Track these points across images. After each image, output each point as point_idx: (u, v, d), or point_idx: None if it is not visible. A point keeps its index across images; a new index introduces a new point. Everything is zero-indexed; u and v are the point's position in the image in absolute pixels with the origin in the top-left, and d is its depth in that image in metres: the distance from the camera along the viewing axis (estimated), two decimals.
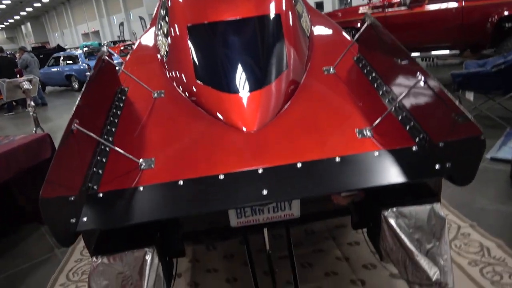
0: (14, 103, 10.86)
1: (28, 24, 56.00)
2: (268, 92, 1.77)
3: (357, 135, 1.54)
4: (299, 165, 1.43)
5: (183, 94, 1.95)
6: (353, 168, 1.41)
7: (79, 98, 1.50)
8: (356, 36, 1.98)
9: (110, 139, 1.65)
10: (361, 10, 6.74)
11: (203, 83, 1.85)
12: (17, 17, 53.63)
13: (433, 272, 1.34)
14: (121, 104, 1.91)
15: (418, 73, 1.39)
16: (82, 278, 2.53)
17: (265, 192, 1.34)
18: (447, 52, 6.10)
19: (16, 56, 13.45)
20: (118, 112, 1.84)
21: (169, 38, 2.21)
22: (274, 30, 2.00)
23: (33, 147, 3.13)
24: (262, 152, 1.53)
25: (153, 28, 2.67)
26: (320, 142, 1.55)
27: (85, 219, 1.31)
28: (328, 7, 22.82)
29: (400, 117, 1.56)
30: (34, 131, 4.77)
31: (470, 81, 4.00)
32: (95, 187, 1.43)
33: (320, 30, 2.45)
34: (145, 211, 1.37)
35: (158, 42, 2.43)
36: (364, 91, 1.81)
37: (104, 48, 1.95)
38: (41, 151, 3.19)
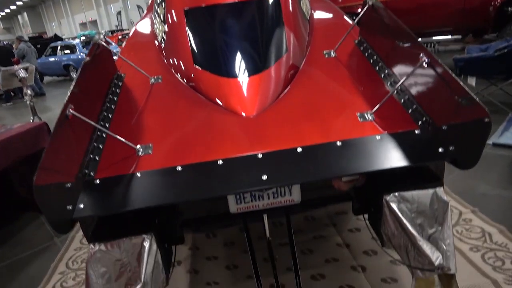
0: (12, 94, 10.79)
1: (25, 14, 55.51)
2: (267, 76, 1.74)
3: (359, 119, 1.51)
4: (299, 149, 1.40)
5: (181, 80, 1.92)
6: (355, 152, 1.38)
7: (73, 83, 1.47)
8: (357, 18, 1.94)
9: (107, 125, 1.62)
10: None
11: (201, 68, 1.82)
12: (14, 7, 53.08)
13: (436, 257, 1.33)
14: (117, 90, 1.87)
15: (421, 54, 1.36)
16: (81, 267, 2.53)
17: (264, 177, 1.32)
18: (449, 37, 6.03)
19: (13, 46, 13.32)
20: (115, 98, 1.81)
21: (166, 23, 2.17)
22: (273, 13, 1.95)
23: (30, 135, 3.11)
24: (262, 137, 1.50)
25: (150, 14, 2.62)
26: (321, 126, 1.52)
27: (82, 205, 1.29)
28: None
29: (402, 100, 1.53)
30: (31, 120, 4.73)
31: (473, 66, 3.95)
32: (91, 173, 1.40)
33: (320, 13, 2.40)
34: (142, 197, 1.34)
35: (155, 27, 2.38)
36: (365, 74, 1.78)
37: (101, 36, 1.90)
38: (39, 140, 3.17)
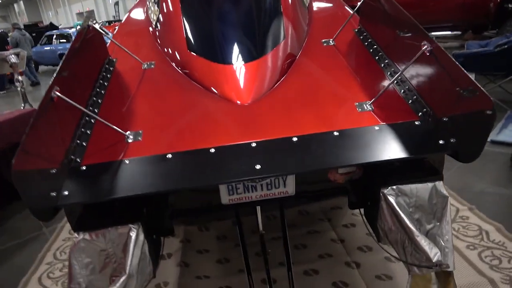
0: (8, 84, 10.64)
1: (21, 2, 54.83)
2: (264, 63, 1.68)
3: (357, 109, 1.47)
4: (294, 139, 1.35)
5: (175, 66, 1.86)
6: (352, 143, 1.33)
7: (60, 65, 1.40)
8: (357, 6, 1.90)
9: (96, 110, 1.57)
10: None
11: (195, 54, 1.76)
12: None
13: (434, 253, 1.27)
14: (108, 75, 1.82)
15: (424, 42, 1.31)
16: None
17: (258, 166, 1.26)
18: (448, 33, 5.99)
19: (9, 34, 13.14)
20: (105, 83, 1.75)
21: (160, 7, 2.10)
22: None
23: (20, 122, 3.04)
24: (256, 125, 1.44)
25: (144, 0, 2.55)
26: (318, 115, 1.47)
27: (66, 192, 1.23)
28: None
29: (402, 91, 1.49)
30: (22, 107, 4.63)
31: (473, 62, 3.91)
32: (78, 159, 1.34)
33: (320, 2, 2.34)
34: (130, 185, 1.28)
35: (149, 12, 2.32)
36: (364, 64, 1.73)
37: (98, 25, 1.83)
38: None
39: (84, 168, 1.33)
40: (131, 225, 1.31)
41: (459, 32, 5.94)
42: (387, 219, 1.39)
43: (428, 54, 1.31)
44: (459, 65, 1.24)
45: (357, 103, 1.49)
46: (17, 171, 1.06)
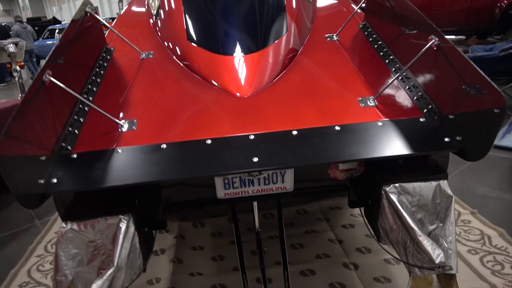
0: (9, 77, 10.56)
1: None
2: (265, 55, 1.64)
3: (360, 104, 1.43)
4: (294, 132, 1.30)
5: (174, 56, 1.81)
6: (354, 138, 1.28)
7: (53, 48, 1.36)
8: (361, 2, 1.86)
9: (90, 98, 1.52)
10: None
11: (195, 44, 1.71)
12: None
13: (437, 254, 1.22)
14: (105, 64, 1.78)
15: (431, 36, 1.26)
16: None
17: (255, 159, 1.22)
18: (452, 37, 5.94)
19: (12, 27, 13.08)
20: (102, 72, 1.71)
21: None
22: None
23: None
24: (255, 118, 1.40)
25: None
26: (319, 109, 1.42)
27: (55, 180, 1.18)
28: None
29: (407, 87, 1.44)
30: (19, 97, 4.57)
31: (477, 66, 3.84)
32: (69, 147, 1.30)
33: None
34: (122, 174, 1.23)
35: (150, 2, 2.28)
36: (368, 59, 1.69)
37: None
38: None
39: (75, 156, 1.28)
40: (121, 216, 1.26)
41: (463, 37, 5.89)
42: (388, 218, 1.34)
43: (435, 48, 1.27)
44: (470, 60, 1.19)
45: (360, 98, 1.44)
46: (1, 157, 1.01)
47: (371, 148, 1.24)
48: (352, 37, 1.88)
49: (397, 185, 1.31)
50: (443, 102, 1.29)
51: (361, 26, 1.92)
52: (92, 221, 1.26)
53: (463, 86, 1.18)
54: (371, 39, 1.79)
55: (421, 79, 1.41)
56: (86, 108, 1.46)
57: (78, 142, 1.33)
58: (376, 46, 1.73)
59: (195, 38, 1.74)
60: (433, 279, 1.37)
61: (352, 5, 2.24)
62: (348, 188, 1.64)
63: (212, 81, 1.60)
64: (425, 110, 1.33)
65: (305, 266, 2.05)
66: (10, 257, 2.40)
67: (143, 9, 2.38)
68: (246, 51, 1.62)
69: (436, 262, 1.21)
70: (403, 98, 1.42)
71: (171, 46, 1.86)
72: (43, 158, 1.18)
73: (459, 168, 3.01)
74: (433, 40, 1.27)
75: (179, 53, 1.80)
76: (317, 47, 1.83)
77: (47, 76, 1.23)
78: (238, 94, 1.51)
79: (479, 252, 2.08)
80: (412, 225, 1.25)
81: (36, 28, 14.23)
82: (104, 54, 1.83)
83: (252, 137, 1.30)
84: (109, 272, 1.19)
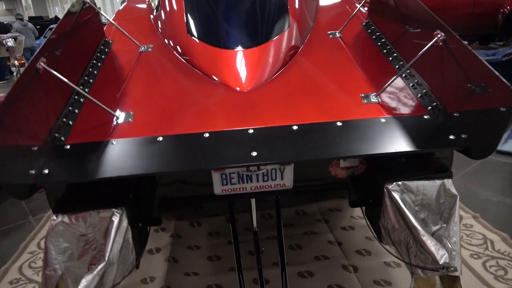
0: (9, 74, 10.52)
1: None
2: (266, 50, 1.61)
3: (362, 100, 1.39)
4: (295, 127, 1.27)
5: (173, 50, 1.78)
6: (356, 134, 1.24)
7: (49, 36, 1.32)
8: (364, 1, 1.85)
9: (86, 90, 1.48)
10: None
11: (195, 38, 1.68)
12: None
13: (441, 255, 1.17)
14: (103, 56, 1.75)
15: (437, 31, 1.23)
16: None
17: (254, 153, 1.18)
18: None
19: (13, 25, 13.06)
20: (99, 64, 1.68)
21: None
22: None
23: None
24: (255, 112, 1.36)
25: None
26: (320, 104, 1.38)
27: (46, 171, 1.14)
28: None
29: (411, 84, 1.41)
30: None
31: None
32: (62, 138, 1.26)
33: None
34: (115, 166, 1.19)
35: None
36: (371, 56, 1.67)
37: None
38: None
39: (68, 147, 1.25)
40: (114, 209, 1.22)
41: (465, 43, 5.87)
42: (390, 217, 1.30)
43: (441, 43, 1.23)
44: (478, 55, 1.16)
45: (362, 95, 1.41)
46: None
47: (374, 145, 1.20)
48: (355, 34, 1.85)
49: (400, 183, 1.27)
50: (448, 99, 1.26)
51: (364, 24, 1.90)
52: (83, 214, 1.21)
53: (470, 83, 1.15)
54: (374, 36, 1.77)
55: (425, 76, 1.38)
56: (81, 100, 1.42)
57: (72, 133, 1.30)
58: (379, 43, 1.70)
59: (195, 32, 1.71)
60: (436, 281, 1.32)
61: (354, 1, 2.22)
62: (349, 186, 1.60)
63: (212, 75, 1.56)
64: (430, 108, 1.30)
65: (303, 267, 2.01)
66: (2, 254, 2.35)
67: (143, 4, 2.35)
68: (247, 45, 1.59)
69: (440, 263, 1.17)
70: (407, 95, 1.38)
71: (171, 40, 1.83)
72: (35, 149, 1.14)
73: (461, 171, 2.97)
74: (438, 35, 1.23)
75: (179, 47, 1.77)
76: (319, 43, 1.80)
77: (41, 64, 1.19)
78: (238, 88, 1.48)
79: (482, 257, 2.03)
80: (415, 224, 1.21)
81: (38, 27, 14.20)
82: (102, 47, 1.80)
83: (251, 131, 1.26)
84: (99, 267, 1.15)
